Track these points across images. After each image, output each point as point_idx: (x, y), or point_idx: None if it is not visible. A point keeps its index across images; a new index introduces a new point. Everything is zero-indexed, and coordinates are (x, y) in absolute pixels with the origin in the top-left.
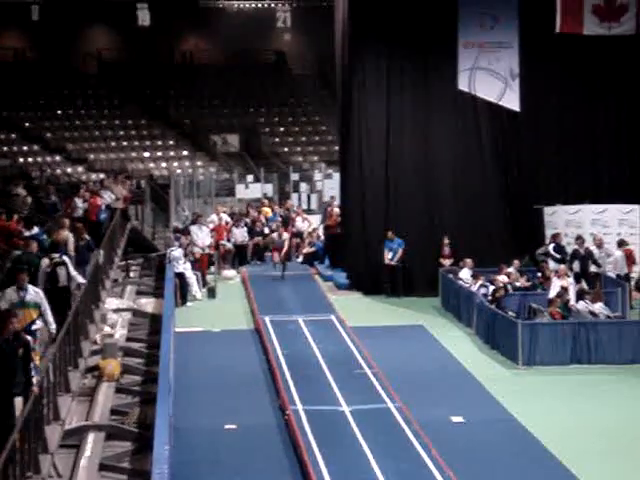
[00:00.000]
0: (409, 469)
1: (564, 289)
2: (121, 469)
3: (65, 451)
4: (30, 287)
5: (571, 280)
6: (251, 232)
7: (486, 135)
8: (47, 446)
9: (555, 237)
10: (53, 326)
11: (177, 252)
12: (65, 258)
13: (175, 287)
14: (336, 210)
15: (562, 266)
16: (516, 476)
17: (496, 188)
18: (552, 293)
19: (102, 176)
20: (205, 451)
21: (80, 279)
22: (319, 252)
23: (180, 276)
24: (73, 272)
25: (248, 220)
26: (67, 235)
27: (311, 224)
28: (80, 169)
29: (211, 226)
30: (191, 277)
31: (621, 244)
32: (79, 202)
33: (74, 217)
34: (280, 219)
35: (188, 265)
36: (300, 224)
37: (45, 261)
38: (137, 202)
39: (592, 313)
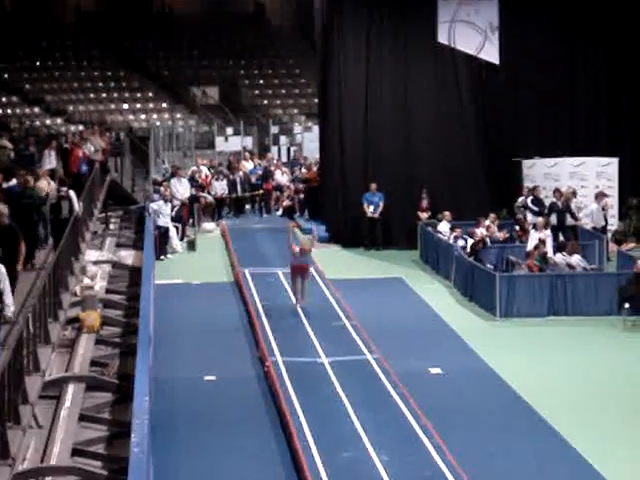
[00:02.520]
0: (387, 420)
1: (542, 242)
2: (101, 420)
3: (45, 402)
4: None
5: (549, 232)
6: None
7: (465, 88)
8: (27, 397)
9: (533, 190)
10: (11, 308)
11: (160, 204)
12: (70, 192)
13: (155, 240)
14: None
15: (540, 219)
16: (493, 426)
17: (475, 141)
18: (530, 245)
19: (81, 128)
20: (185, 402)
21: (78, 206)
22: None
23: (161, 229)
24: (76, 206)
25: (240, 174)
26: (45, 185)
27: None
28: (59, 121)
29: (204, 176)
30: (171, 230)
31: (598, 197)
32: (48, 154)
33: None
34: (261, 172)
35: (168, 218)
36: (279, 177)
37: (53, 192)
38: (116, 154)
39: (569, 265)
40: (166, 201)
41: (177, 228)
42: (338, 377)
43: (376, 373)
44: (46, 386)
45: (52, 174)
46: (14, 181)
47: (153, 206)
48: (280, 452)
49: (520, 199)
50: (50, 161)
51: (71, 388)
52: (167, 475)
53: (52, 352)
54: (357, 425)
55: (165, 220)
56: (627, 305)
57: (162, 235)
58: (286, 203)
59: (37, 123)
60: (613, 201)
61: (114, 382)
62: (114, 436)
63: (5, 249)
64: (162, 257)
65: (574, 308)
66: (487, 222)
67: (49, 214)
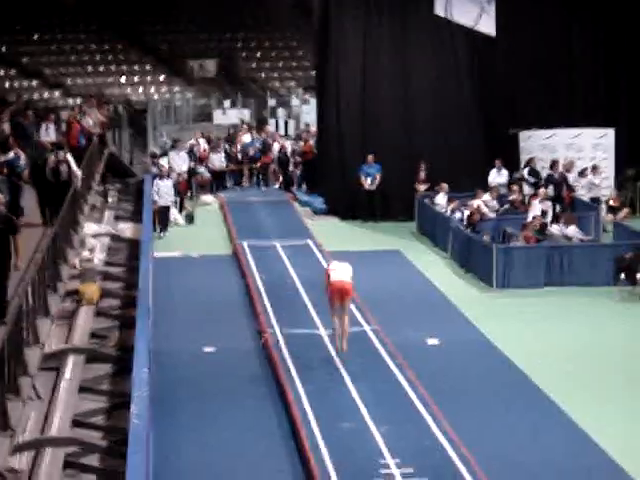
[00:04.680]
0: (385, 390)
1: (543, 213)
2: (101, 391)
3: (45, 374)
4: None
5: (549, 204)
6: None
7: (462, 60)
8: (27, 369)
9: (530, 161)
10: None
11: (167, 184)
12: (68, 156)
13: (154, 216)
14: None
15: (542, 189)
16: (490, 395)
17: (472, 113)
18: (531, 216)
19: (79, 101)
20: (184, 373)
21: (79, 173)
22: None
23: (164, 209)
24: (74, 168)
25: (237, 147)
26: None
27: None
28: (57, 94)
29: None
30: (172, 209)
31: (595, 169)
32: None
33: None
34: (259, 145)
35: (170, 197)
36: (277, 150)
37: (51, 158)
38: (115, 127)
39: (566, 236)
40: (162, 177)
41: (175, 201)
42: (336, 347)
43: (374, 344)
44: (46, 358)
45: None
46: (11, 154)
47: (162, 185)
48: (279, 423)
49: (517, 172)
50: (48, 134)
51: (71, 360)
52: (167, 446)
53: (51, 324)
54: (355, 396)
55: (165, 199)
56: (623, 275)
57: (162, 214)
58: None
59: (35, 96)
60: (610, 172)
61: (113, 354)
62: (114, 407)
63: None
64: (162, 234)
65: (570, 279)
66: (486, 195)
67: (50, 178)
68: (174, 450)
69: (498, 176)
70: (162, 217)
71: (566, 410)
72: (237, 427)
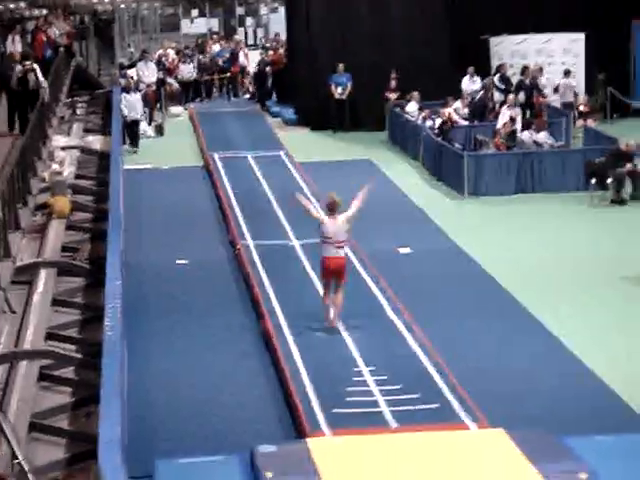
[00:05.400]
0: (357, 299)
1: (512, 119)
2: (74, 304)
3: (17, 287)
4: None
5: (519, 111)
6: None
7: None
8: None
9: (500, 68)
10: None
11: (135, 97)
12: (35, 65)
13: (124, 130)
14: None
15: (511, 96)
16: (461, 303)
17: (442, 20)
18: (500, 123)
19: (45, 11)
20: (157, 285)
21: (45, 84)
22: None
23: (134, 123)
24: (41, 77)
25: (205, 57)
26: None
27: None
28: (22, 4)
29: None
30: (142, 123)
31: (567, 73)
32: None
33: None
34: (228, 55)
35: (138, 111)
36: (242, 60)
37: (18, 67)
38: (81, 38)
39: (536, 143)
40: (129, 90)
41: (144, 112)
42: (309, 259)
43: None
44: (18, 272)
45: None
46: None
47: (131, 99)
48: (251, 331)
49: (487, 79)
50: (15, 46)
51: (43, 273)
52: (140, 358)
53: (22, 238)
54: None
55: (135, 113)
56: (593, 181)
57: (131, 128)
58: (253, 87)
59: (0, 7)
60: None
61: (85, 267)
62: (87, 320)
63: None
64: (133, 150)
65: (542, 185)
66: (457, 102)
67: (16, 87)
68: (147, 362)
69: (471, 83)
70: (131, 131)
71: (537, 316)
72: (210, 339)
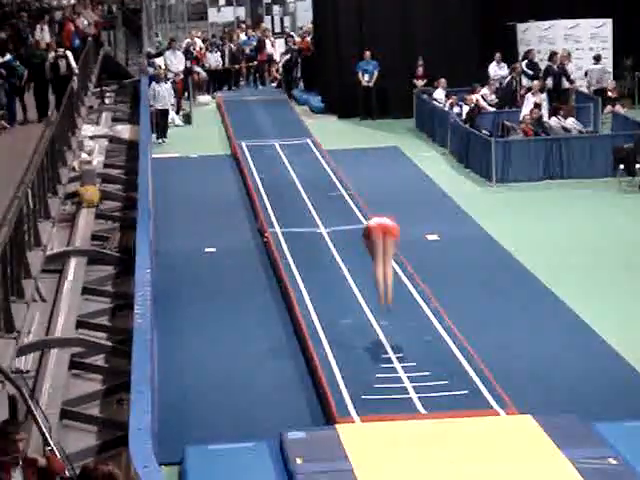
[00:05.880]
0: None
1: (537, 105)
2: (104, 292)
3: (48, 276)
4: None
5: (544, 96)
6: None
7: None
8: (30, 271)
9: (528, 54)
10: None
11: (166, 87)
12: (67, 52)
13: (153, 119)
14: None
15: (535, 82)
16: (489, 290)
17: (469, 7)
18: (525, 110)
19: (73, 1)
20: (186, 273)
21: (77, 70)
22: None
23: (163, 113)
24: (73, 63)
25: (232, 45)
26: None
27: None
28: None
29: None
30: (171, 113)
31: (597, 59)
32: (39, 28)
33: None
34: (256, 43)
35: (167, 100)
36: (269, 49)
37: (51, 54)
38: (109, 28)
39: (564, 129)
40: (159, 80)
41: (172, 102)
42: (336, 246)
43: None
44: (48, 260)
45: (47, 48)
46: (8, 56)
47: (160, 90)
48: (281, 321)
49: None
50: (43, 36)
51: (73, 262)
52: (170, 345)
53: (52, 227)
54: (356, 292)
55: (164, 103)
56: (622, 166)
57: (160, 118)
58: (279, 74)
59: None
60: (608, 62)
61: (115, 255)
62: (117, 308)
63: None
64: (160, 140)
65: (569, 171)
66: (485, 89)
67: (49, 73)
68: (177, 349)
69: (499, 69)
70: (160, 121)
71: (567, 302)
72: (240, 326)
